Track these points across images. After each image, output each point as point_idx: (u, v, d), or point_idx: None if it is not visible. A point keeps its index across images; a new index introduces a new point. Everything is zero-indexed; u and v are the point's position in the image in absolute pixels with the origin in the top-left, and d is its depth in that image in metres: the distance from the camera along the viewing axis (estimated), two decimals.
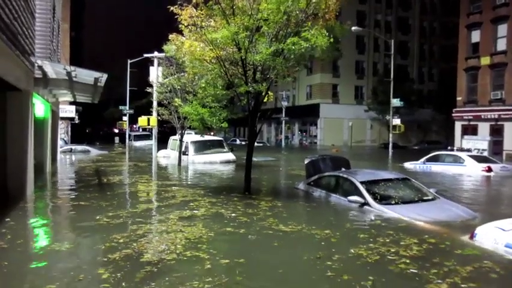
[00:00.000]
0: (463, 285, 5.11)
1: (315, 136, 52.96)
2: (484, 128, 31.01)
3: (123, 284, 5.10)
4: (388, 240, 7.14)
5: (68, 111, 33.15)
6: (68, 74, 12.28)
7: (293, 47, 10.23)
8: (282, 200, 11.44)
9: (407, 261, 6.05)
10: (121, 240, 7.00)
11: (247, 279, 5.37)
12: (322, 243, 7.09)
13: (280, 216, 9.18)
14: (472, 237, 7.05)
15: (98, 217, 8.88)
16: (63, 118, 33.13)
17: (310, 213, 9.96)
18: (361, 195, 9.62)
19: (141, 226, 8.14)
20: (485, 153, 23.50)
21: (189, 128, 20.41)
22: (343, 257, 6.25)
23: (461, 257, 6.55)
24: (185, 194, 12.17)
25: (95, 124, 74.48)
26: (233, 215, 9.30)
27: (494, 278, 5.53)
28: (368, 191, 9.69)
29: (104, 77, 12.78)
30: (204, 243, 7.05)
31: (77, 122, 43.35)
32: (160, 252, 6.44)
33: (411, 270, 5.67)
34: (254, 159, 13.88)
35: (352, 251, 6.49)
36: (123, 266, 5.77)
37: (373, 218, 8.89)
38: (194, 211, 9.76)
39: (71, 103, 32.65)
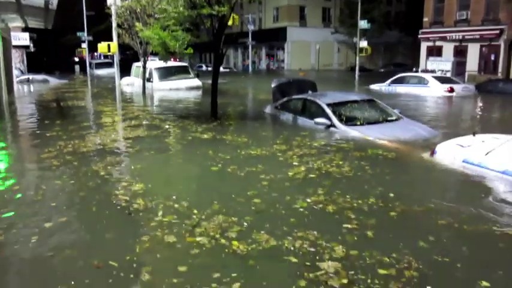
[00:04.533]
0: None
1: (282, 60, 52.30)
2: (448, 49, 31.26)
3: None
4: (342, 155, 7.51)
5: (22, 38, 31.03)
6: None
7: None
8: (248, 124, 11.49)
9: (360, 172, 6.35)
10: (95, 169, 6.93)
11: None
12: (283, 163, 7.19)
13: (244, 139, 9.27)
14: (432, 154, 7.29)
15: (61, 146, 8.69)
16: (16, 46, 31.19)
17: (275, 135, 9.94)
18: (327, 117, 9.68)
19: (107, 156, 8.03)
20: (449, 74, 23.88)
21: (152, 54, 19.69)
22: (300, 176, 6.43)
23: (419, 169, 6.95)
24: (150, 121, 12.01)
25: (52, 53, 70.98)
26: (203, 138, 9.38)
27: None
28: (334, 112, 9.75)
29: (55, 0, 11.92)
30: (170, 169, 7.09)
31: (32, 50, 40.98)
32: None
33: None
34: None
35: (311, 166, 6.65)
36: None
37: (337, 138, 9.03)
38: (159, 137, 9.75)
39: (24, 30, 30.63)
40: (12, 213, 5.12)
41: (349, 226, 4.49)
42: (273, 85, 12.86)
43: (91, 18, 43.80)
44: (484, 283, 3.41)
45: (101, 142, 9.15)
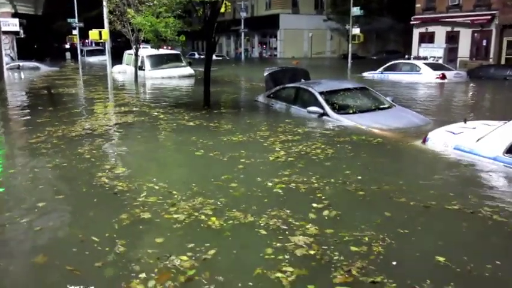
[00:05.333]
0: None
1: (275, 48, 52.05)
2: (440, 36, 31.30)
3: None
4: (328, 141, 7.72)
5: (11, 24, 30.64)
6: None
7: None
8: (239, 112, 11.55)
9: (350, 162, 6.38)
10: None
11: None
12: (272, 150, 7.26)
13: (232, 126, 9.43)
14: (424, 141, 7.36)
15: (51, 132, 8.75)
16: (6, 32, 30.75)
17: (263, 123, 9.95)
18: (319, 105, 9.71)
19: (98, 141, 8.05)
20: (441, 61, 23.97)
21: (144, 41, 19.53)
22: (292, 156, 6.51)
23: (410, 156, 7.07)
24: (143, 109, 11.98)
25: (43, 39, 70.00)
26: (191, 126, 9.50)
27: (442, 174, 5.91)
28: (327, 101, 9.77)
29: None
30: (159, 158, 7.13)
31: (22, 36, 40.38)
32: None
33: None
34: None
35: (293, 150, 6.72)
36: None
37: (329, 126, 9.08)
38: (147, 123, 9.86)
39: (14, 15, 30.20)
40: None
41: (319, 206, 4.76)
42: (265, 74, 12.82)
43: (82, 4, 43.08)
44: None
45: (90, 127, 9.39)
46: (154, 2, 12.52)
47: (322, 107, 9.64)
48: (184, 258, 3.60)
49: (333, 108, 9.59)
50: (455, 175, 6.07)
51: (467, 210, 4.62)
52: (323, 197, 4.99)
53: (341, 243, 3.87)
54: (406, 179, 5.80)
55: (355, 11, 32.82)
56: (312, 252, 3.70)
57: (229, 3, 12.21)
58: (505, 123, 6.51)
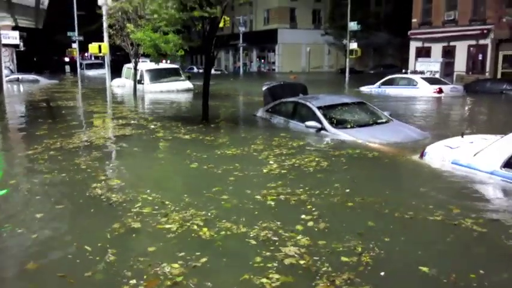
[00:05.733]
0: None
1: (273, 63, 52.39)
2: (437, 50, 31.56)
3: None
4: (326, 156, 7.74)
5: (11, 37, 30.85)
6: None
7: None
8: (237, 126, 11.61)
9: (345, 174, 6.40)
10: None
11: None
12: (265, 164, 7.28)
13: (229, 140, 9.52)
14: (422, 156, 7.40)
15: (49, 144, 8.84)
16: (6, 45, 30.91)
17: (261, 138, 9.91)
18: (318, 120, 9.76)
19: (95, 153, 8.15)
20: (437, 75, 24.14)
21: (144, 55, 19.65)
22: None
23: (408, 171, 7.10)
24: (141, 123, 12.06)
25: (43, 52, 70.24)
26: (187, 139, 9.62)
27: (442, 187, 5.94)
28: (325, 115, 9.84)
29: None
30: (156, 175, 7.15)
31: (22, 49, 40.58)
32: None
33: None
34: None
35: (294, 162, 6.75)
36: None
37: (327, 141, 9.13)
38: (144, 136, 9.98)
39: (14, 28, 30.35)
40: None
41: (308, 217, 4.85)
42: (264, 88, 12.90)
43: (82, 18, 43.42)
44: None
45: (87, 139, 9.58)
46: (154, 16, 12.59)
47: (320, 122, 9.70)
48: (175, 265, 3.71)
49: (331, 123, 9.65)
50: (452, 189, 6.11)
51: (467, 223, 4.66)
52: (313, 209, 5.08)
53: (332, 253, 3.96)
54: (402, 192, 5.91)
55: (353, 26, 33.15)
56: (301, 262, 3.79)
57: (228, 18, 12.36)
58: (502, 137, 6.55)
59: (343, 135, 9.23)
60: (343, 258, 3.84)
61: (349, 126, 9.61)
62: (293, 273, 3.61)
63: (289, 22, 50.87)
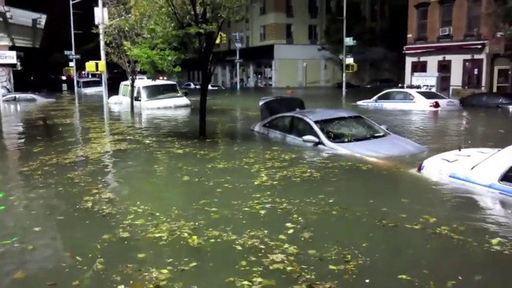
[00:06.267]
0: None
1: (270, 78, 52.67)
2: (432, 65, 31.83)
3: None
4: (324, 170, 7.70)
5: (8, 57, 30.74)
6: (2, 14, 11.38)
7: None
8: (234, 141, 11.62)
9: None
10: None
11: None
12: (257, 176, 7.24)
13: (228, 155, 9.53)
14: (419, 169, 7.37)
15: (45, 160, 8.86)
16: (3, 65, 31.00)
17: (261, 153, 9.91)
18: (315, 134, 9.76)
19: (90, 167, 8.14)
20: (434, 89, 24.26)
21: (140, 72, 19.70)
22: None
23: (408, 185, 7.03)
24: (136, 138, 12.06)
25: (40, 71, 70.51)
26: (182, 154, 9.70)
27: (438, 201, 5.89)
28: (322, 130, 9.83)
29: (43, 18, 11.96)
30: (154, 191, 7.12)
31: (19, 68, 40.68)
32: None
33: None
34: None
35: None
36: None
37: (324, 155, 9.10)
38: (145, 154, 9.97)
39: (11, 48, 30.47)
40: None
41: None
42: (260, 103, 12.92)
43: (79, 36, 43.75)
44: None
45: (83, 154, 9.77)
46: (152, 34, 12.67)
47: (317, 136, 9.69)
48: (164, 271, 3.89)
49: (328, 137, 9.63)
50: (450, 202, 6.12)
51: (471, 238, 4.62)
52: (300, 219, 5.22)
53: (320, 260, 4.10)
54: (401, 204, 5.85)
55: (348, 41, 33.44)
56: (288, 268, 3.94)
57: (225, 35, 12.49)
58: (500, 150, 6.53)
59: (341, 149, 9.21)
60: (332, 267, 3.95)
61: (346, 140, 9.60)
62: (276, 278, 3.77)
63: (285, 38, 51.30)
